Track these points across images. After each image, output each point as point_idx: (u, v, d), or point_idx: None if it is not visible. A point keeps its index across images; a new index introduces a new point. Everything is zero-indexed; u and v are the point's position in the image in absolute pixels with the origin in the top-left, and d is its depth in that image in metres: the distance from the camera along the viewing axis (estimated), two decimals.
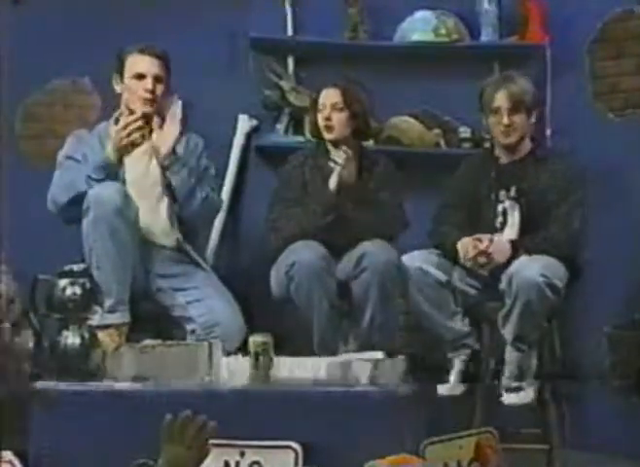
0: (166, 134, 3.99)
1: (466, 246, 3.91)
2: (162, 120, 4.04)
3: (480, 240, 3.90)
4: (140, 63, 4.03)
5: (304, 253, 3.85)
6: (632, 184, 4.41)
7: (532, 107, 4.02)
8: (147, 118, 3.98)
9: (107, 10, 4.56)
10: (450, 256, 3.96)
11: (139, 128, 3.92)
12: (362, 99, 4.14)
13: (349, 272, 3.92)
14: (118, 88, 4.09)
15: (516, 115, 3.98)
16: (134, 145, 3.93)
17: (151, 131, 3.99)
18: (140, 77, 4.02)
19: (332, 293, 3.87)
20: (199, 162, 4.11)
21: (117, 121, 4.03)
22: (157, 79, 4.02)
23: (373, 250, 3.88)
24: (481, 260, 3.89)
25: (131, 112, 4.02)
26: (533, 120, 4.05)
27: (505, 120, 3.98)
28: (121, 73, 4.05)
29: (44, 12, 4.56)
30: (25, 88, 4.62)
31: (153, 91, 4.00)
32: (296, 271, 3.82)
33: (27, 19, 4.52)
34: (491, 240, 3.90)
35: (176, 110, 4.00)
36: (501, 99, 3.98)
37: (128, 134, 3.90)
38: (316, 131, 4.18)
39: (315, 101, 4.16)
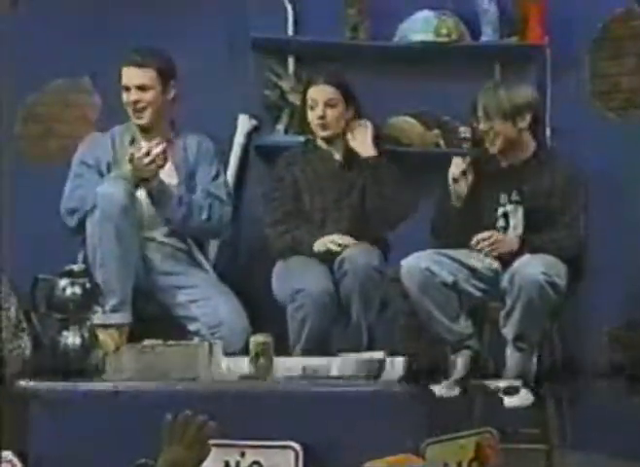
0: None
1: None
2: (172, 124, 4.08)
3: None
4: (125, 76, 4.06)
5: (311, 282, 3.85)
6: (632, 184, 4.41)
7: (517, 113, 3.97)
8: (146, 131, 4.00)
9: (107, 10, 4.56)
10: (457, 256, 3.94)
11: (162, 153, 3.86)
12: (353, 93, 4.14)
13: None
14: None
15: (492, 123, 3.97)
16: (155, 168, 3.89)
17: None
18: (126, 89, 4.05)
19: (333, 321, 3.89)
20: (210, 169, 4.12)
21: (132, 141, 4.02)
22: (141, 88, 4.02)
23: (351, 254, 3.88)
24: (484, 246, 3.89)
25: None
26: (522, 124, 4.00)
27: (481, 126, 4.01)
28: None
29: (44, 12, 4.56)
30: (25, 88, 4.62)
31: (136, 102, 4.01)
32: (303, 305, 3.81)
33: (27, 19, 4.52)
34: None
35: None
36: (479, 109, 4.01)
37: (151, 162, 3.85)
38: (307, 128, 4.16)
39: (304, 97, 4.14)
